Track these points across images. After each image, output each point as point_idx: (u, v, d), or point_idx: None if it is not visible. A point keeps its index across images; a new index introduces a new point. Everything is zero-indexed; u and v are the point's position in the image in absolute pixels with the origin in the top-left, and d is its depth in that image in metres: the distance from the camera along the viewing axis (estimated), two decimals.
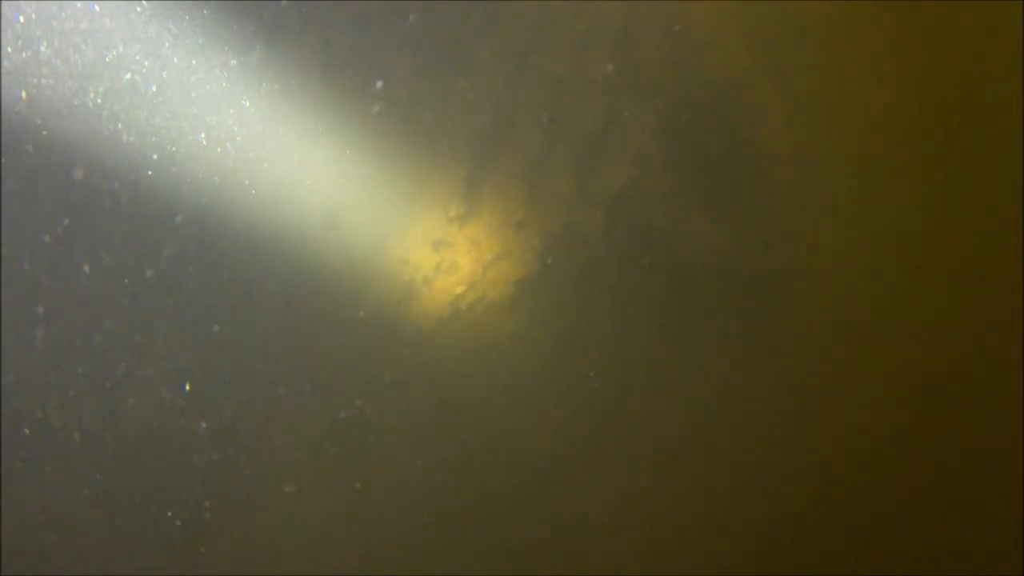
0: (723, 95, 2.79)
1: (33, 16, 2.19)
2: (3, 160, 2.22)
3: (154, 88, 2.31)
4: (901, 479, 3.06)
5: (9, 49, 2.19)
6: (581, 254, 2.71)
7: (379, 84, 2.47)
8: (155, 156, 2.34)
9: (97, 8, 2.26)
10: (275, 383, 2.56)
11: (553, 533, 2.89)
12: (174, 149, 2.36)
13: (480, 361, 2.73)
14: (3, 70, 2.19)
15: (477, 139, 2.55)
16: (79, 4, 2.22)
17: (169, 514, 2.51)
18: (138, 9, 2.28)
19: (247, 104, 2.39)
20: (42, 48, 2.22)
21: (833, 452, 3.03)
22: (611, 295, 2.78)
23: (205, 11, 2.33)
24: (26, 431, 2.33)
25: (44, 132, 2.26)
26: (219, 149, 2.39)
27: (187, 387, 2.48)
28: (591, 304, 2.78)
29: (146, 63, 2.29)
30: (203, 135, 2.37)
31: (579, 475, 2.90)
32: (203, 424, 2.49)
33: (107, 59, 2.27)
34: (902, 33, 2.90)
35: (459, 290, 2.65)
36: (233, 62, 2.36)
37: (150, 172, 2.34)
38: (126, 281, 2.37)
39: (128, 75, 2.29)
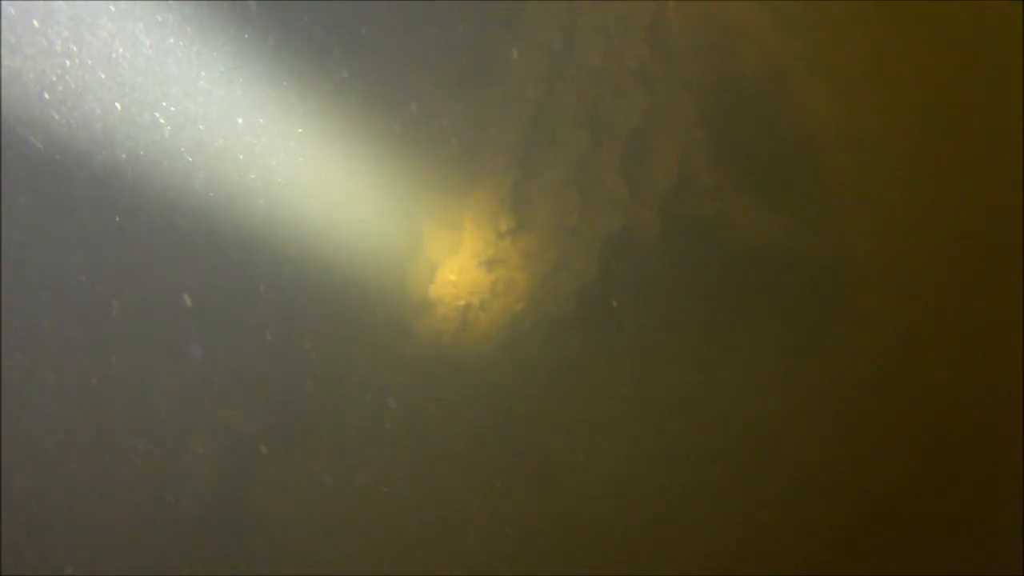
0: (761, 82, 2.71)
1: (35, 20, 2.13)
2: (3, 160, 2.15)
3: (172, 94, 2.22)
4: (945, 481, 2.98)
5: (12, 49, 2.12)
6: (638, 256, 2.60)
7: (412, 106, 2.35)
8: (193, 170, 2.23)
9: (112, 8, 2.18)
10: (327, 421, 2.40)
11: (612, 555, 2.75)
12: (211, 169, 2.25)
13: (545, 381, 2.59)
14: (3, 69, 2.11)
15: (520, 145, 2.43)
16: (82, 5, 2.15)
17: (167, 514, 2.37)
18: (148, 13, 2.19)
19: (277, 126, 2.28)
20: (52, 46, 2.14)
21: (885, 445, 2.93)
22: (674, 296, 2.67)
23: (230, 24, 2.24)
24: (25, 431, 2.24)
25: (43, 131, 2.17)
26: (241, 164, 2.27)
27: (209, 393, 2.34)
28: (654, 308, 2.66)
29: (161, 70, 2.20)
30: (220, 145, 2.26)
31: (647, 487, 2.76)
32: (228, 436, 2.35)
33: (112, 58, 2.18)
34: (940, 11, 2.85)
35: (519, 308, 2.51)
36: (264, 83, 2.25)
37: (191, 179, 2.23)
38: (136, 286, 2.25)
39: (141, 79, 2.20)
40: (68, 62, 2.14)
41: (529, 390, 2.55)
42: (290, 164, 2.30)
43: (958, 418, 2.95)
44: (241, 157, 2.25)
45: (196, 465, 2.37)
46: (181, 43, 2.19)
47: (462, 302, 2.47)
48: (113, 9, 2.16)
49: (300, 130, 2.30)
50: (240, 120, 2.26)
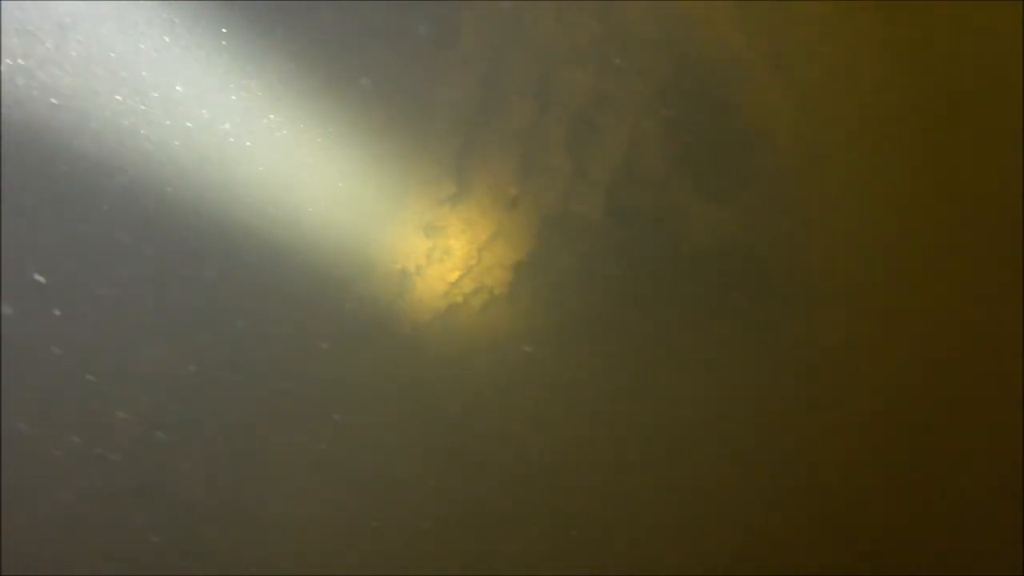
0: (720, 77, 2.71)
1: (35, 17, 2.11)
2: (3, 160, 2.12)
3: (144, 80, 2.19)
4: (907, 475, 2.99)
5: (11, 49, 2.11)
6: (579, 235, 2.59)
7: (364, 80, 2.33)
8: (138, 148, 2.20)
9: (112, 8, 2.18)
10: (261, 383, 2.38)
11: (549, 533, 2.74)
12: (157, 142, 2.22)
13: (477, 356, 2.58)
14: (3, 70, 2.10)
15: (467, 113, 2.41)
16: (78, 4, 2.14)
17: (157, 513, 2.35)
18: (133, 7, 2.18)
19: (234, 96, 2.25)
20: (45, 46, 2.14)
21: (840, 443, 2.94)
22: (613, 281, 2.66)
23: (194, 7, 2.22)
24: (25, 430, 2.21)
25: (41, 129, 2.15)
26: (204, 139, 2.25)
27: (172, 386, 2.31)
28: (592, 291, 2.65)
29: (141, 58, 2.18)
30: (190, 124, 2.23)
31: (580, 473, 2.76)
32: (190, 425, 2.31)
33: (104, 56, 2.18)
34: (905, 15, 2.85)
35: (454, 277, 2.50)
36: (220, 53, 2.23)
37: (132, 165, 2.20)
38: (105, 278, 2.21)
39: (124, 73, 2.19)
40: (68, 62, 2.12)
41: (459, 362, 2.54)
42: (230, 124, 2.28)
43: (919, 417, 2.97)
44: (189, 125, 2.24)
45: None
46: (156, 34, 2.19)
47: (398, 266, 2.46)
48: (112, 9, 2.15)
49: (244, 94, 2.28)
50: (181, 88, 2.24)
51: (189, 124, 2.25)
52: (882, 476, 2.97)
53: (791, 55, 2.77)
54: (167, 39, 2.18)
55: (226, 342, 2.34)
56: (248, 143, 2.29)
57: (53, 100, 2.10)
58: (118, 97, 2.15)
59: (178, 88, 2.21)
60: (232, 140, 2.28)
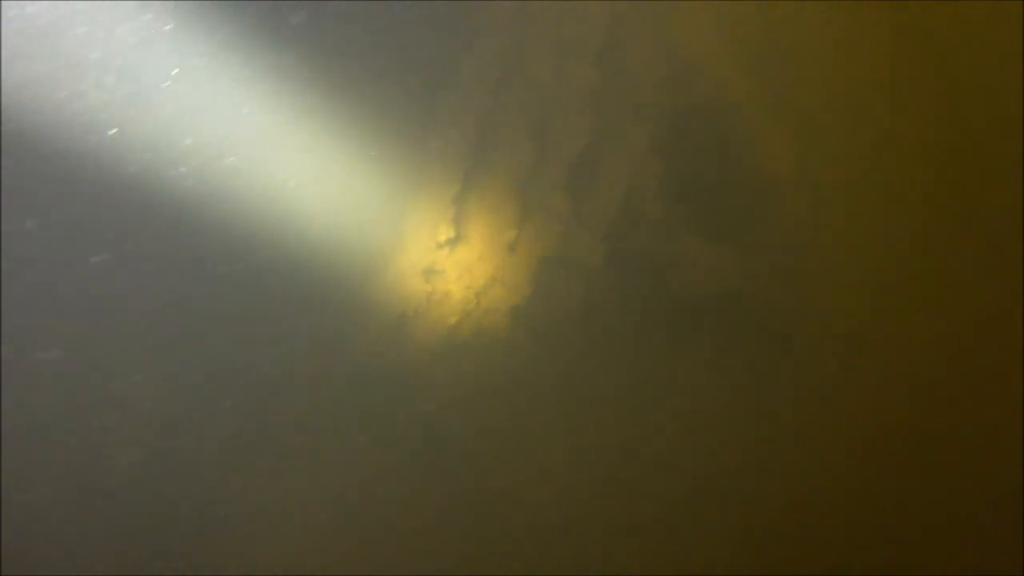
0: (717, 118, 2.72)
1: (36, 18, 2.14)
2: (3, 158, 2.14)
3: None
4: (903, 518, 2.93)
5: (10, 49, 2.13)
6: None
7: (359, 124, 2.35)
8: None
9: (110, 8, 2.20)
10: (262, 425, 2.35)
11: None
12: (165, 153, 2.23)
13: (476, 401, 2.55)
14: (3, 69, 2.12)
15: (465, 158, 2.42)
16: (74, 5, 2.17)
17: (147, 512, 2.30)
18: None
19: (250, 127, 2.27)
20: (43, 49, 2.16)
21: (837, 482, 2.89)
22: (612, 327, 2.64)
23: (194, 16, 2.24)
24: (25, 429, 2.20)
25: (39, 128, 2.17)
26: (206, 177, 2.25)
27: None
28: (591, 337, 2.63)
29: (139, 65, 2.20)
30: (183, 170, 2.24)
31: (584, 521, 2.71)
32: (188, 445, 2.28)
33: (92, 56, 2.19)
34: (900, 52, 2.88)
35: (452, 321, 2.49)
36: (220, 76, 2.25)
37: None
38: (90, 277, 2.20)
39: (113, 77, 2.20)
40: (67, 61, 2.14)
41: (458, 406, 2.52)
42: (239, 161, 2.29)
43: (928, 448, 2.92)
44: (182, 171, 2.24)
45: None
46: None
47: (397, 310, 2.45)
48: (111, 9, 2.18)
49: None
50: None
51: (183, 169, 2.26)
52: (880, 517, 2.91)
53: (792, 99, 2.78)
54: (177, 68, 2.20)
55: (223, 384, 2.31)
56: (246, 188, 2.30)
57: (53, 100, 2.12)
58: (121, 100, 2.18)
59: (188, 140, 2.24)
60: (233, 183, 2.29)
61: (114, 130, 2.19)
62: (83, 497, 2.26)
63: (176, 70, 2.24)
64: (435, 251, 2.45)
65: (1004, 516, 2.92)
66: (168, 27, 2.23)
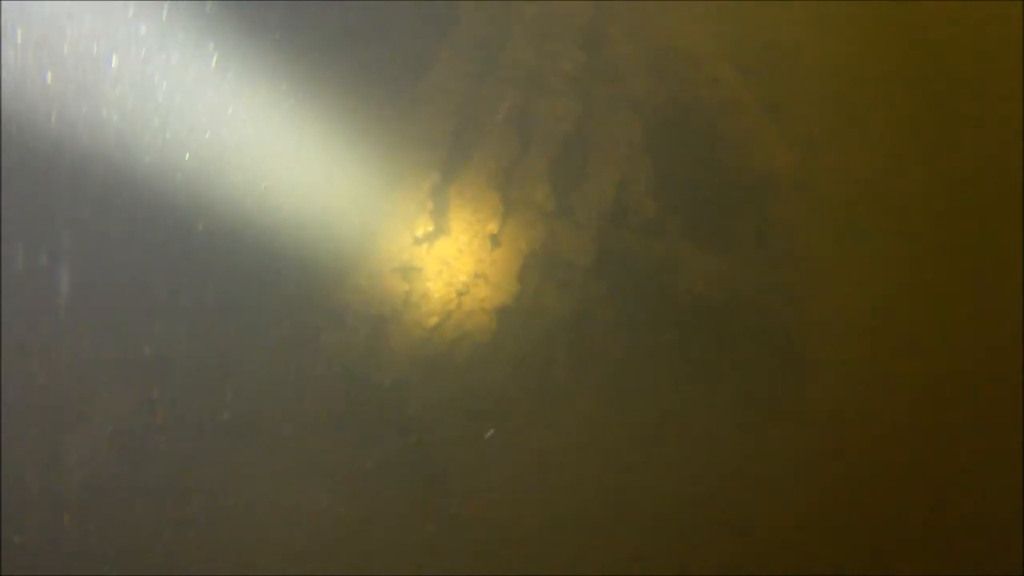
0: (712, 116, 2.61)
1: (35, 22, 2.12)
2: (3, 158, 2.10)
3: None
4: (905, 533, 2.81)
5: (11, 52, 2.10)
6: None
7: (337, 111, 2.22)
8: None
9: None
10: (234, 426, 2.18)
11: None
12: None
13: (458, 411, 2.39)
14: (4, 69, 2.09)
15: (443, 146, 2.28)
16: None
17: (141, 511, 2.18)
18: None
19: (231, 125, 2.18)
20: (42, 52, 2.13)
21: (835, 495, 2.75)
22: (602, 331, 2.50)
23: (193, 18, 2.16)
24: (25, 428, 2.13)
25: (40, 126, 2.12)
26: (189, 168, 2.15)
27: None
28: (580, 338, 2.48)
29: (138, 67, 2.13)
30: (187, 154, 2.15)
31: (574, 531, 2.54)
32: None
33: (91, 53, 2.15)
34: (897, 48, 2.80)
35: (432, 322, 2.32)
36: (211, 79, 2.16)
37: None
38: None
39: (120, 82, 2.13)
40: (67, 61, 2.10)
41: (438, 414, 2.35)
42: (218, 158, 2.18)
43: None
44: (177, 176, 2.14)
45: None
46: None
47: (373, 312, 2.28)
48: (110, 9, 2.13)
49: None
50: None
51: (147, 160, 2.15)
52: (882, 523, 2.77)
53: (790, 97, 2.68)
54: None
55: (197, 384, 2.17)
56: (215, 180, 2.18)
57: (53, 98, 2.07)
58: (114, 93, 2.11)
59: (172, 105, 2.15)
60: (201, 177, 2.18)
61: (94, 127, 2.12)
62: (56, 492, 2.14)
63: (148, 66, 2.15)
64: (413, 247, 2.30)
65: (1006, 520, 2.83)
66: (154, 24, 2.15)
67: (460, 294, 2.32)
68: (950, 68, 2.86)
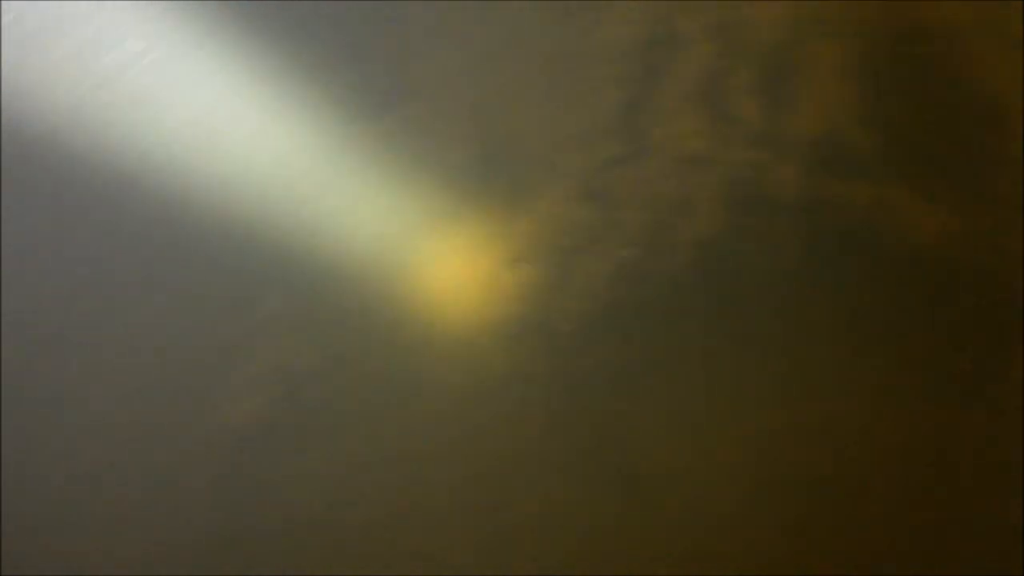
0: (927, 39, 2.35)
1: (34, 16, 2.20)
2: (3, 157, 2.16)
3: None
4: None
5: (10, 47, 2.17)
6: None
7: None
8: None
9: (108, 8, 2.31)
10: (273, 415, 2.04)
11: None
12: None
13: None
14: (3, 69, 2.16)
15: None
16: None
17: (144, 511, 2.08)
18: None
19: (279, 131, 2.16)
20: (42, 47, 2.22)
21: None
22: (802, 288, 2.22)
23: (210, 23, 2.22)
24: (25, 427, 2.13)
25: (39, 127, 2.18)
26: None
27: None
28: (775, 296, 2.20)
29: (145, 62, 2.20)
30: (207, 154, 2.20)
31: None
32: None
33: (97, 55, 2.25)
34: None
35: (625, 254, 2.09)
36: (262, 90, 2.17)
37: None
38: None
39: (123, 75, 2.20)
40: (67, 60, 2.16)
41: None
42: (291, 169, 2.13)
43: None
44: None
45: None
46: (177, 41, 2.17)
47: (408, 306, 2.10)
48: (109, 9, 2.22)
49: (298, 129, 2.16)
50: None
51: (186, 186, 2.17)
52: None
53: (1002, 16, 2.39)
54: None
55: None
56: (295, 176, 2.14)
57: (52, 99, 2.14)
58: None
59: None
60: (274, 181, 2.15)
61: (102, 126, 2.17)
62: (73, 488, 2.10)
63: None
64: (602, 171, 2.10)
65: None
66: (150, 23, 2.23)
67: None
68: None
